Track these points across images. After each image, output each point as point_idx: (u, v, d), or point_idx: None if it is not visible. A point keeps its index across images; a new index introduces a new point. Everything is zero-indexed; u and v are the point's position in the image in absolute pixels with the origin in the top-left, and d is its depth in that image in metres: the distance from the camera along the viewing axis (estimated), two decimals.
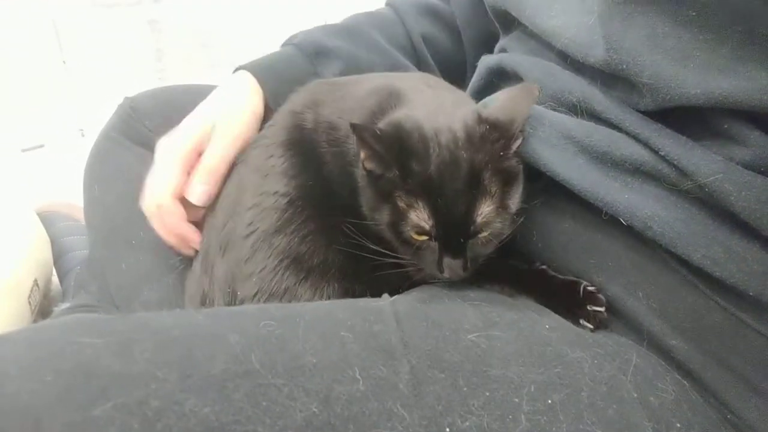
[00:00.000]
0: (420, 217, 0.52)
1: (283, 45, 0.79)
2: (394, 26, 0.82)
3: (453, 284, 0.55)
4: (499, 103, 0.55)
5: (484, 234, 0.52)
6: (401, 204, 0.52)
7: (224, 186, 0.67)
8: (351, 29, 0.79)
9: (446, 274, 0.53)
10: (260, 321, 0.42)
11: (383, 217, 0.54)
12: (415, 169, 0.51)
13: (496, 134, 0.51)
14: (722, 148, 0.46)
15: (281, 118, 0.66)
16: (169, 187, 0.66)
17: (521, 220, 0.55)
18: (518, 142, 0.53)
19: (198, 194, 0.66)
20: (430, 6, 0.84)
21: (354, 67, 0.76)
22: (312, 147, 0.61)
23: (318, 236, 0.58)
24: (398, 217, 0.53)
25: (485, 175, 0.51)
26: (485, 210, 0.51)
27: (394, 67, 0.78)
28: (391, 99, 0.58)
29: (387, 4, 0.86)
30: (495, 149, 0.51)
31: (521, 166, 0.55)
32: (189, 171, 0.67)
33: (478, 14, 0.77)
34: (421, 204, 0.51)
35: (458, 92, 0.65)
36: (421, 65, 0.83)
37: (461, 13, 0.83)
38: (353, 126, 0.51)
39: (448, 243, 0.52)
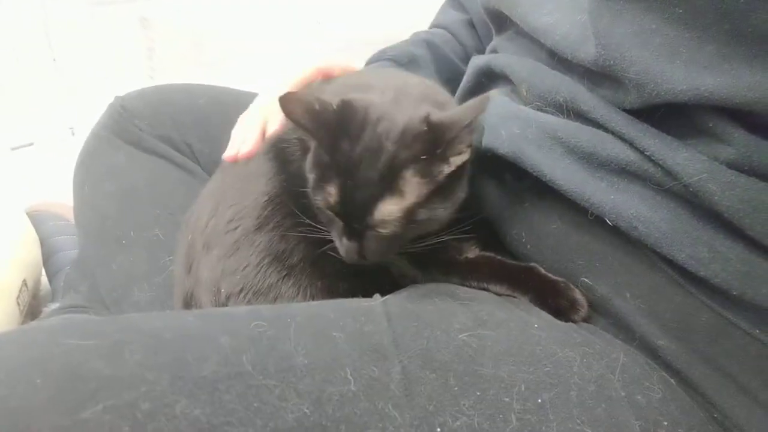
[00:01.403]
0: (329, 191, 0.53)
1: (375, 60, 0.83)
2: (452, 43, 0.87)
3: (442, 283, 0.56)
4: (455, 109, 0.55)
5: (384, 231, 0.53)
6: (323, 173, 0.54)
7: (207, 188, 0.68)
8: (428, 42, 0.85)
9: (342, 253, 0.54)
10: (251, 322, 0.42)
11: (311, 182, 0.55)
12: (343, 147, 0.52)
13: (431, 137, 0.51)
14: (707, 147, 0.46)
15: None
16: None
17: (447, 237, 0.55)
18: (462, 156, 0.53)
19: None
20: (468, 22, 0.89)
21: (434, 76, 0.81)
22: (286, 147, 0.63)
23: (296, 237, 0.59)
24: (317, 185, 0.54)
25: (404, 174, 0.51)
26: (387, 208, 0.51)
27: (461, 76, 0.80)
28: (359, 90, 0.58)
29: (435, 26, 0.91)
30: (425, 151, 0.51)
31: (461, 183, 0.55)
32: None
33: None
34: (334, 180, 0.52)
35: (440, 94, 0.63)
36: None
37: (477, 21, 0.87)
38: (280, 98, 0.52)
39: (349, 225, 0.53)
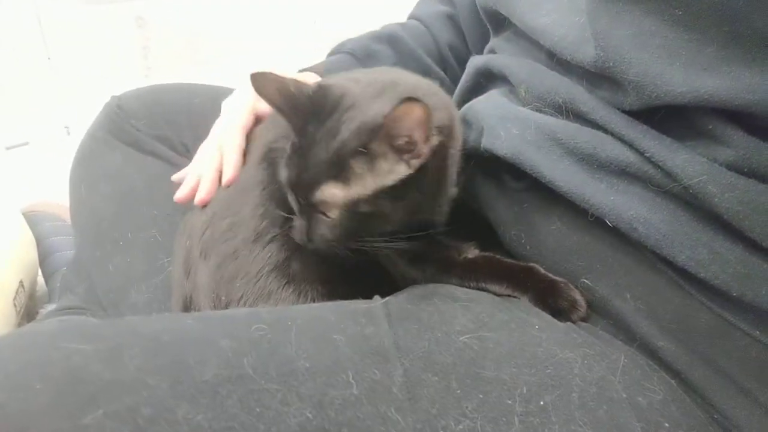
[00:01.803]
0: (285, 162, 0.54)
1: (334, 53, 0.82)
2: (424, 36, 0.86)
3: (441, 285, 0.56)
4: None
5: (330, 215, 0.53)
6: (289, 153, 0.55)
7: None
8: (391, 36, 0.83)
9: (293, 230, 0.55)
10: (251, 325, 0.42)
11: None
12: (310, 129, 0.53)
13: (382, 132, 0.50)
14: (706, 148, 0.46)
15: (256, 133, 0.68)
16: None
17: (402, 243, 0.54)
18: (419, 160, 0.51)
19: None
20: (448, 15, 0.87)
21: None
22: (278, 156, 0.62)
23: (294, 246, 0.58)
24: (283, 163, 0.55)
25: (352, 164, 0.51)
26: (329, 191, 0.52)
27: (426, 73, 0.80)
28: (351, 81, 0.58)
29: (411, 17, 0.89)
30: (381, 142, 0.50)
31: (417, 188, 0.53)
32: None
33: (478, 17, 0.78)
34: (292, 154, 0.54)
35: (434, 95, 0.61)
36: (447, 71, 0.86)
37: (464, 17, 0.85)
38: (252, 75, 0.53)
39: (299, 201, 0.54)
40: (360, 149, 0.51)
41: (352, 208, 0.52)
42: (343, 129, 0.52)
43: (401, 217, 0.54)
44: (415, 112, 0.48)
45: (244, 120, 0.68)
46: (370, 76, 0.59)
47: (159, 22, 1.87)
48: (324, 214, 0.53)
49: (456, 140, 0.59)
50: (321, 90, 0.55)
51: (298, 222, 0.55)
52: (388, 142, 0.51)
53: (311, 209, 0.53)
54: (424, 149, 0.51)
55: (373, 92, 0.55)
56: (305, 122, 0.53)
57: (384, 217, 0.53)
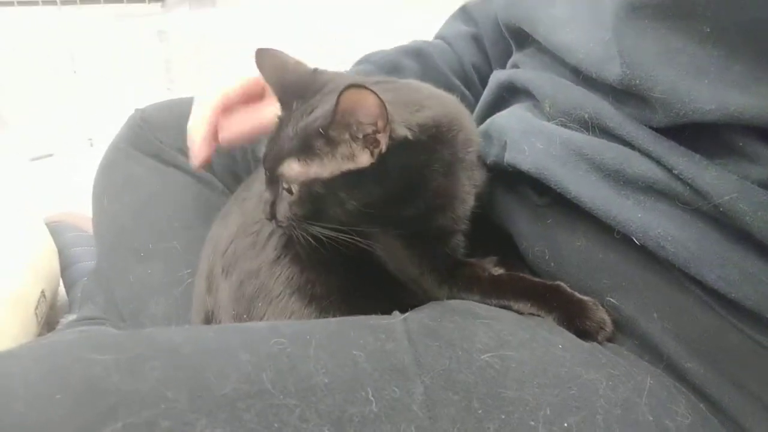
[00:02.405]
0: (267, 138, 0.57)
1: (360, 63, 0.83)
2: (448, 54, 0.87)
3: (461, 301, 0.55)
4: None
5: (292, 189, 0.53)
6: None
7: (230, 206, 0.68)
8: (418, 51, 0.84)
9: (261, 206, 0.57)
10: (271, 339, 0.42)
11: None
12: (294, 106, 0.55)
13: (336, 118, 0.49)
14: (737, 166, 0.45)
15: None
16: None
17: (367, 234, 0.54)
18: (378, 149, 0.50)
19: None
20: (473, 36, 0.88)
21: None
22: None
23: (316, 265, 0.58)
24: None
25: (315, 143, 0.51)
26: (290, 166, 0.52)
27: (450, 89, 0.80)
28: None
29: (437, 37, 0.91)
30: (339, 128, 0.50)
31: (377, 181, 0.51)
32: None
33: (501, 33, 0.78)
34: (274, 129, 0.56)
35: (431, 98, 0.59)
36: (471, 90, 0.87)
37: (487, 34, 0.86)
38: (257, 50, 0.57)
39: (267, 174, 0.55)
40: (320, 131, 0.51)
41: (308, 186, 0.52)
42: (317, 109, 0.53)
43: (356, 208, 0.52)
44: (363, 99, 0.47)
45: (213, 102, 0.69)
46: (375, 79, 0.60)
47: (181, 36, 1.90)
48: (286, 189, 0.54)
49: (455, 148, 0.56)
50: (314, 74, 0.58)
51: (265, 195, 0.56)
52: (347, 129, 0.50)
53: (276, 184, 0.55)
54: (382, 139, 0.50)
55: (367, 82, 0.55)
56: (292, 100, 0.55)
57: (337, 203, 0.52)
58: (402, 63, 0.82)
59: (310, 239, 0.54)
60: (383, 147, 0.50)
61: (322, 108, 0.52)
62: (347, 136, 0.50)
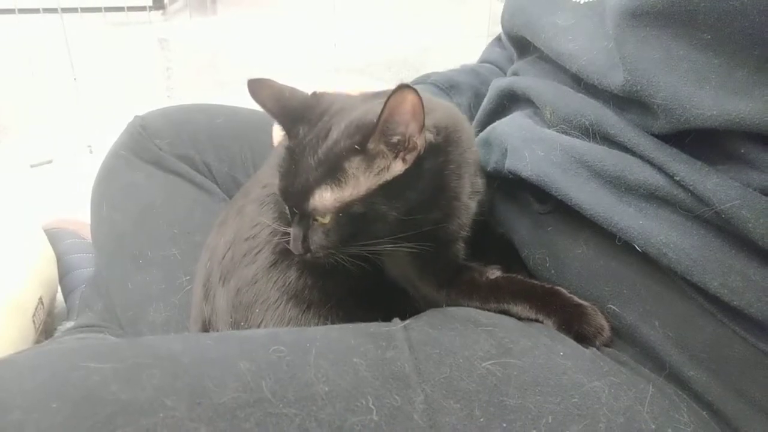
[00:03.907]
0: (278, 169, 0.54)
1: (417, 83, 0.84)
2: (497, 73, 0.89)
3: (462, 308, 0.54)
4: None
5: (324, 221, 0.51)
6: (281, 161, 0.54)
7: (227, 212, 0.67)
8: (473, 69, 0.88)
9: (290, 245, 0.54)
10: (270, 346, 0.41)
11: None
12: (300, 133, 0.53)
13: (371, 129, 0.49)
14: (739, 173, 0.45)
15: (277, 153, 0.67)
16: None
17: (405, 246, 0.52)
18: (414, 153, 0.50)
19: None
20: (508, 57, 0.90)
21: (479, 100, 0.82)
22: None
23: (312, 270, 0.58)
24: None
25: (343, 165, 0.49)
26: (322, 195, 0.50)
27: None
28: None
29: (482, 61, 0.94)
30: (377, 139, 0.49)
31: (415, 185, 0.51)
32: None
33: None
34: (285, 160, 0.53)
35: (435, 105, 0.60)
36: None
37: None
38: (249, 81, 0.55)
39: (294, 211, 0.53)
40: (355, 147, 0.49)
41: (345, 210, 0.51)
42: (333, 130, 0.51)
43: (397, 218, 0.52)
44: (409, 98, 0.47)
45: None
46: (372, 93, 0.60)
47: (181, 44, 1.91)
48: (317, 220, 0.52)
49: (461, 149, 0.56)
50: (314, 97, 0.56)
51: (294, 232, 0.53)
52: (384, 139, 0.49)
53: (305, 217, 0.52)
54: (419, 141, 0.50)
55: (363, 99, 0.55)
56: (296, 126, 0.54)
57: (379, 218, 0.51)
58: (459, 80, 0.84)
59: (351, 260, 0.53)
60: (421, 149, 0.50)
61: (341, 125, 0.51)
62: (383, 146, 0.50)
